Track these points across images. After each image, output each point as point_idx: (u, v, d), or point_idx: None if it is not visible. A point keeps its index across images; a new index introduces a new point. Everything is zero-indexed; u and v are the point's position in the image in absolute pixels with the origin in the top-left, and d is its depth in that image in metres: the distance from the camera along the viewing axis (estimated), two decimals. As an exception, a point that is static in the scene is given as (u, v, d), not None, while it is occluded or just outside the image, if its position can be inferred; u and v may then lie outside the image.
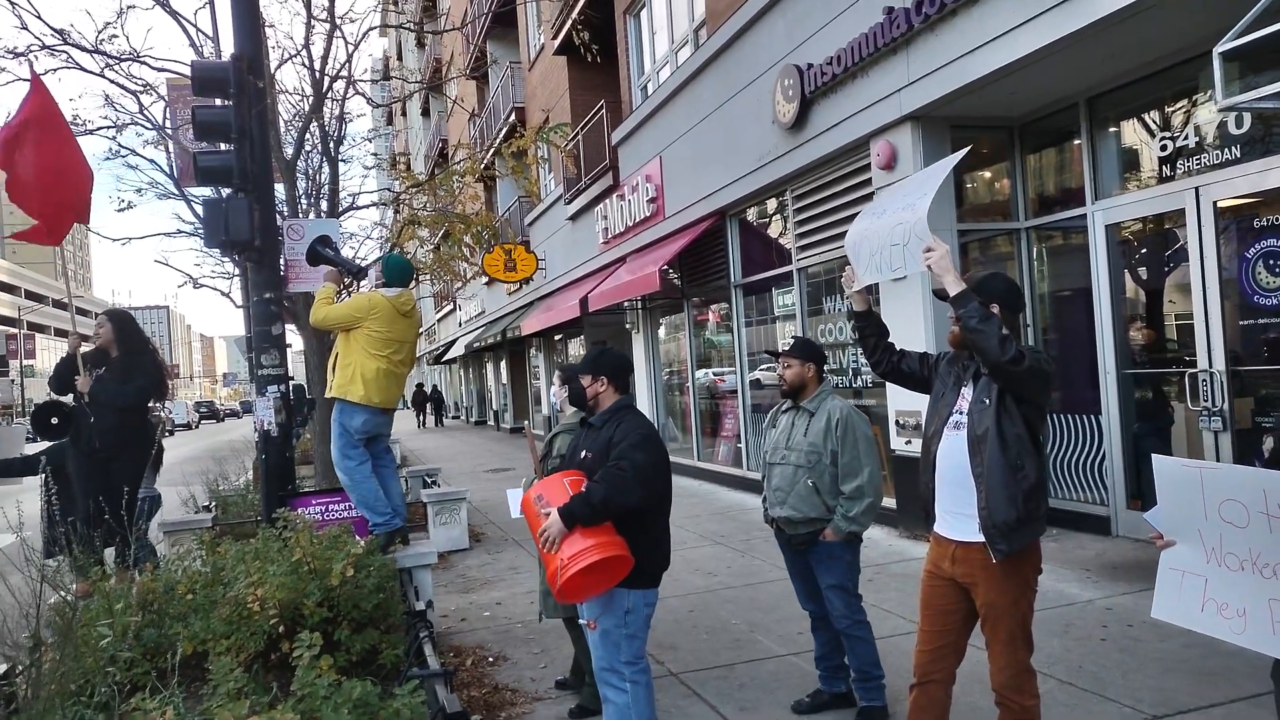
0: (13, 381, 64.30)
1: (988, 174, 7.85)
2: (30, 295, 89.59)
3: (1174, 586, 2.37)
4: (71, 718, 2.70)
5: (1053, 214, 7.29)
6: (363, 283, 7.35)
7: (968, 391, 3.01)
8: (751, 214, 10.65)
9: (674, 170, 11.86)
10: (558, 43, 16.10)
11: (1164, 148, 6.27)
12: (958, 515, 2.96)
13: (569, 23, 14.72)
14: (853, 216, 7.89)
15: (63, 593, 3.88)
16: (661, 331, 14.09)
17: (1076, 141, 6.97)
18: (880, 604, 5.50)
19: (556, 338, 20.90)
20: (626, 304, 14.03)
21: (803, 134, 8.56)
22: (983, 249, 7.74)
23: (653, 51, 13.32)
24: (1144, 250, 6.70)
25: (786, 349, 4.07)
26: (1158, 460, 2.37)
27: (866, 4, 7.39)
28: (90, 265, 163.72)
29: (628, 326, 14.91)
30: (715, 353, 12.13)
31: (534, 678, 4.75)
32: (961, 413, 2.99)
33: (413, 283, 6.04)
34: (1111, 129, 6.77)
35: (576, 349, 19.75)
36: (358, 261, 8.17)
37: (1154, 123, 6.43)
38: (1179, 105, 6.22)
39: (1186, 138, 6.10)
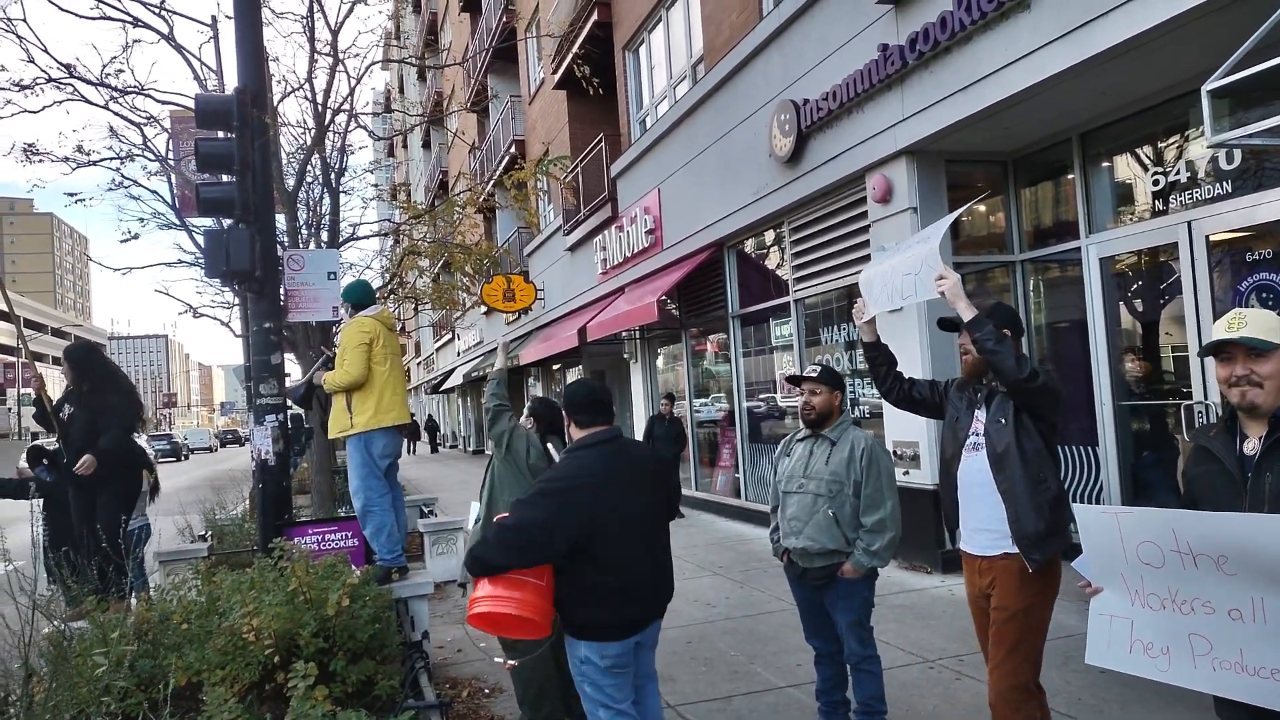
0: (9, 410, 64.13)
1: (983, 207, 7.93)
2: (29, 324, 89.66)
3: (1104, 631, 2.41)
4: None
5: (1047, 247, 7.35)
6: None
7: (981, 414, 3.16)
8: (749, 246, 10.73)
9: (672, 202, 11.96)
10: (557, 77, 16.30)
11: (1156, 182, 6.35)
12: (982, 531, 3.10)
13: (569, 58, 14.91)
14: (849, 249, 8.04)
15: (55, 622, 3.86)
16: (660, 361, 14.12)
17: (1070, 175, 7.06)
18: (880, 636, 5.46)
19: (555, 367, 20.93)
20: (625, 334, 14.08)
21: (799, 168, 8.65)
22: (979, 281, 7.79)
23: (651, 86, 13.48)
24: (1138, 283, 6.76)
25: (813, 375, 3.97)
26: (1079, 509, 2.44)
27: (861, 41, 7.51)
28: (90, 294, 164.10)
29: (626, 356, 14.94)
30: (713, 383, 12.15)
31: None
32: (978, 434, 3.13)
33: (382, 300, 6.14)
34: (1104, 163, 6.85)
35: (575, 378, 19.76)
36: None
37: (1146, 157, 6.51)
38: (1171, 140, 6.31)
39: (1178, 172, 6.18)
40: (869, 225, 7.83)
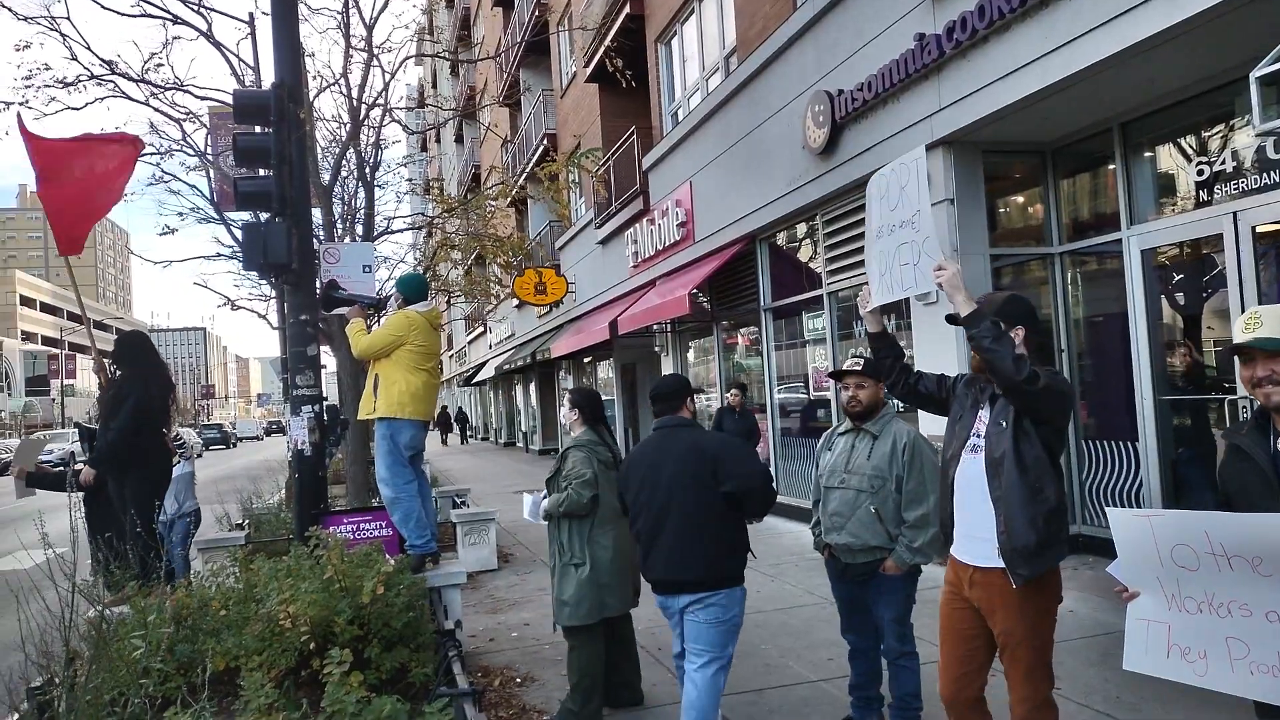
0: (53, 400, 65.66)
1: (1021, 198, 7.81)
2: (71, 316, 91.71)
3: (1141, 637, 2.37)
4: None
5: (1087, 239, 7.22)
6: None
7: (984, 414, 2.98)
8: (782, 238, 10.67)
9: (704, 195, 11.92)
10: (589, 70, 16.30)
11: (1200, 172, 6.21)
12: (975, 539, 2.93)
13: (601, 51, 14.91)
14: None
15: (97, 606, 3.95)
16: (691, 355, 14.10)
17: (1111, 166, 6.92)
18: (917, 633, 5.42)
19: (586, 360, 20.98)
20: (656, 327, 14.07)
21: (833, 159, 8.58)
22: (1016, 274, 7.68)
23: (684, 78, 13.44)
24: (1181, 276, 6.62)
25: (857, 369, 3.90)
26: (1112, 513, 2.39)
27: (897, 31, 7.42)
28: (130, 288, 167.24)
29: (657, 349, 14.95)
30: (745, 376, 12.11)
31: (561, 699, 4.72)
32: (979, 435, 2.96)
33: (431, 295, 6.21)
34: (1146, 153, 6.71)
35: (606, 372, 19.81)
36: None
37: (1190, 147, 6.37)
38: (1215, 130, 6.16)
39: (1223, 162, 6.03)
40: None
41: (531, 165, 21.06)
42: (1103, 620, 5.44)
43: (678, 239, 12.72)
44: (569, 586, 4.10)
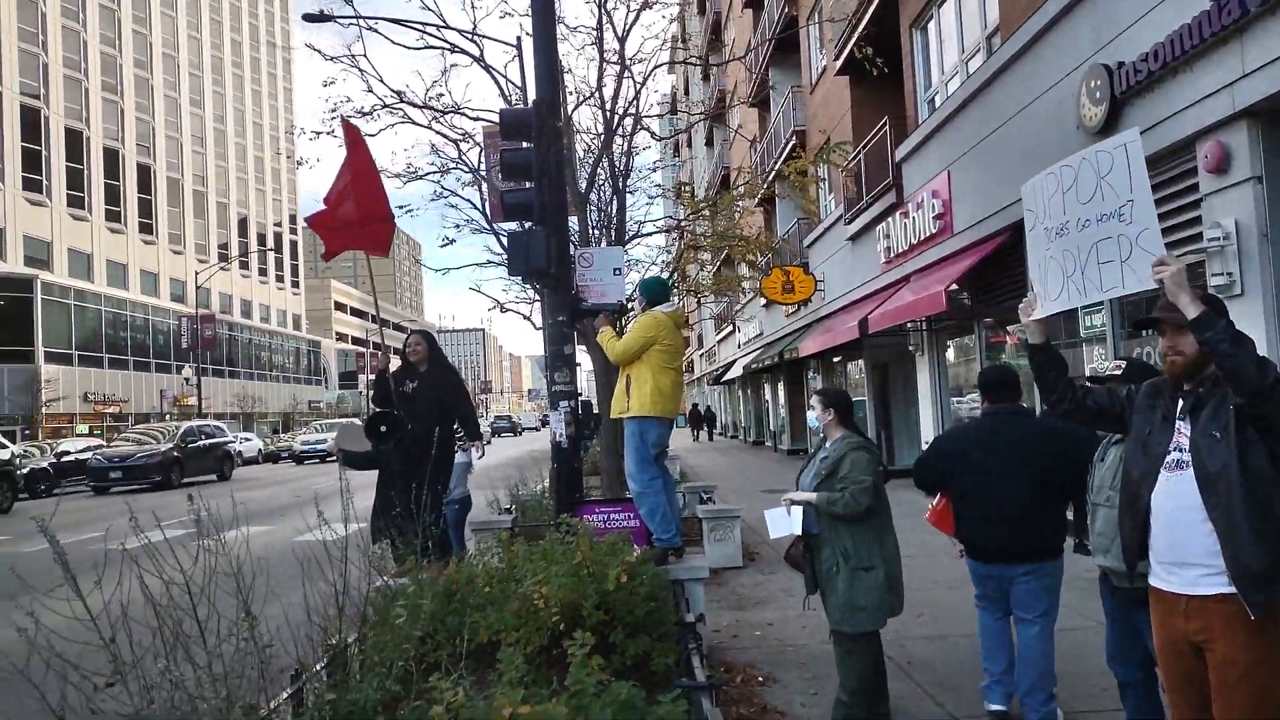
0: (360, 393, 74.92)
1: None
2: (375, 319, 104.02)
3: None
4: (376, 689, 3.10)
5: None
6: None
7: (1184, 426, 2.63)
8: (1051, 228, 9.81)
9: (963, 184, 11.25)
10: (839, 63, 15.96)
11: None
12: (1186, 566, 2.58)
13: (852, 41, 14.55)
14: (1175, 227, 7.09)
15: (384, 578, 4.46)
16: (950, 354, 13.37)
17: None
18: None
19: (835, 360, 20.55)
20: (910, 326, 13.50)
21: (1112, 138, 7.76)
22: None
23: (940, 63, 12.78)
24: None
25: (1116, 374, 3.58)
26: None
27: (1190, -11, 6.58)
28: (423, 293, 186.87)
29: (911, 349, 14.33)
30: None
31: (804, 703, 4.69)
32: (1181, 450, 2.60)
33: (679, 296, 6.36)
34: None
35: (856, 372, 19.29)
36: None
37: None
38: None
39: None
40: (1200, 199, 6.86)
41: (779, 163, 20.98)
42: None
43: (934, 232, 12.12)
44: (862, 592, 3.97)
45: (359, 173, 6.13)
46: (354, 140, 6.24)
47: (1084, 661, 5.12)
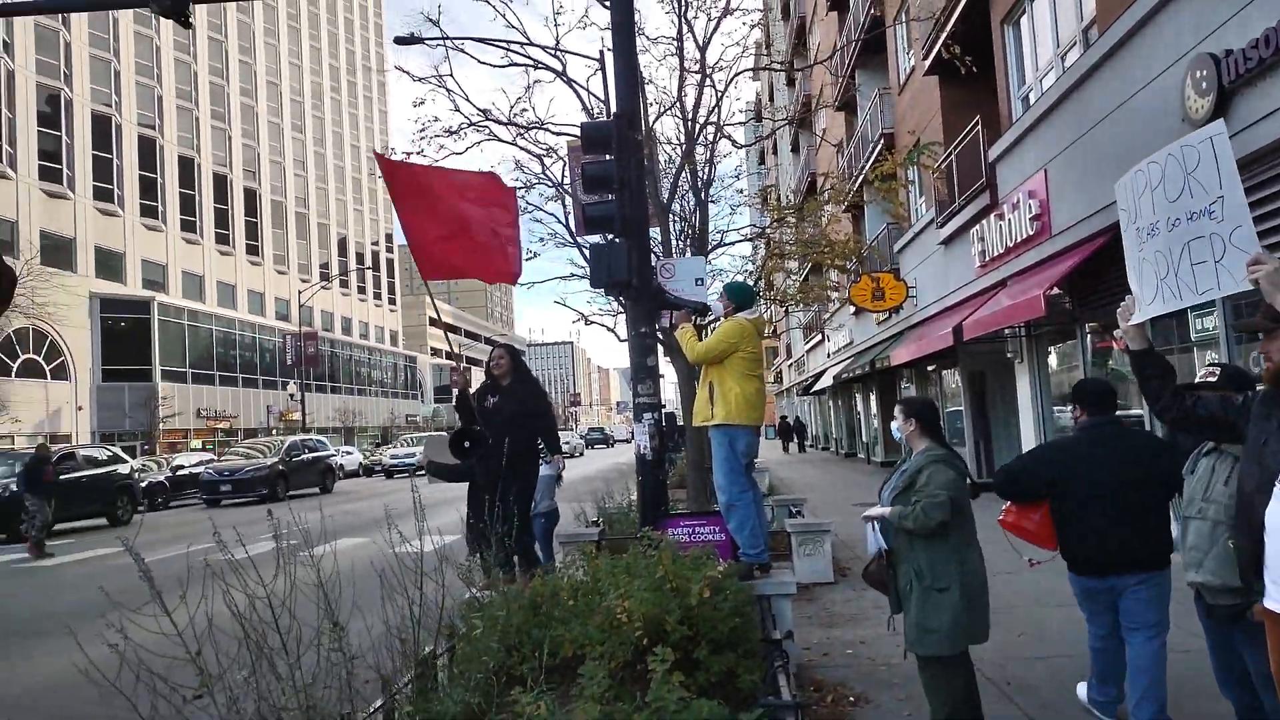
0: (451, 407, 76.93)
1: None
2: (468, 334, 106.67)
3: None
4: (457, 701, 3.11)
5: None
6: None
7: None
8: (1158, 226, 9.31)
9: (1061, 183, 10.79)
10: (928, 63, 15.56)
11: None
12: None
13: (940, 40, 14.16)
14: (1287, 224, 6.61)
15: (471, 590, 4.50)
16: (1052, 360, 12.82)
17: None
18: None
19: (929, 368, 19.97)
20: (1007, 332, 13.01)
21: (1223, 129, 7.31)
22: None
23: (1034, 58, 12.31)
24: None
25: (1212, 380, 3.39)
26: None
27: (1310, -34, 6.15)
28: (514, 307, 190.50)
29: (1009, 356, 13.80)
30: (1121, 385, 10.74)
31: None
32: None
33: (764, 304, 6.29)
34: None
35: (951, 381, 18.70)
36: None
37: None
38: None
39: None
40: (1324, 191, 6.40)
41: (867, 168, 20.59)
42: None
43: (1031, 234, 11.65)
44: (934, 614, 3.76)
45: (423, 199, 6.22)
46: (394, 174, 6.28)
47: (1193, 683, 4.79)
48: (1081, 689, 4.54)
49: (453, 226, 6.29)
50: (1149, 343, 3.00)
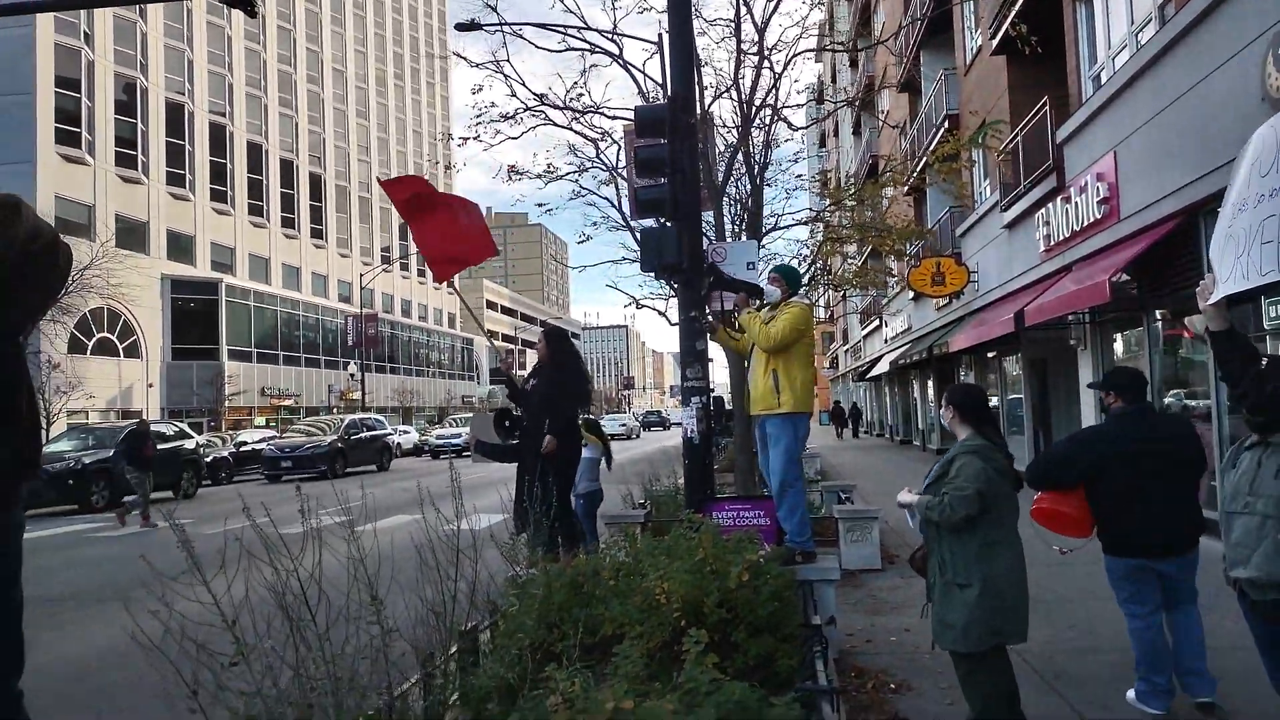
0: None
1: None
2: (524, 318, 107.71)
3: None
4: (492, 676, 3.16)
5: None
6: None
7: None
8: (1233, 210, 8.93)
9: (1131, 166, 10.42)
10: (995, 42, 15.12)
11: None
12: None
13: (1009, 19, 13.74)
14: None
15: (515, 568, 4.56)
16: (1118, 348, 12.43)
17: None
18: None
19: (990, 355, 19.53)
20: (1071, 318, 12.64)
21: (1305, 108, 6.98)
22: None
23: (1107, 36, 11.88)
24: None
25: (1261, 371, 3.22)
26: None
27: (1404, -67, 5.81)
28: (569, 291, 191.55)
29: (1072, 343, 13.42)
30: (1191, 374, 10.37)
31: (937, 714, 4.46)
32: None
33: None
34: None
35: (1012, 368, 18.27)
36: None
37: None
38: None
39: None
40: None
41: (930, 150, 20.15)
42: None
43: (1098, 217, 11.28)
44: (952, 609, 3.68)
45: (428, 213, 6.53)
46: (398, 194, 6.66)
47: (1250, 684, 4.62)
48: (1131, 695, 4.42)
49: (445, 223, 6.59)
50: (1230, 323, 2.86)
